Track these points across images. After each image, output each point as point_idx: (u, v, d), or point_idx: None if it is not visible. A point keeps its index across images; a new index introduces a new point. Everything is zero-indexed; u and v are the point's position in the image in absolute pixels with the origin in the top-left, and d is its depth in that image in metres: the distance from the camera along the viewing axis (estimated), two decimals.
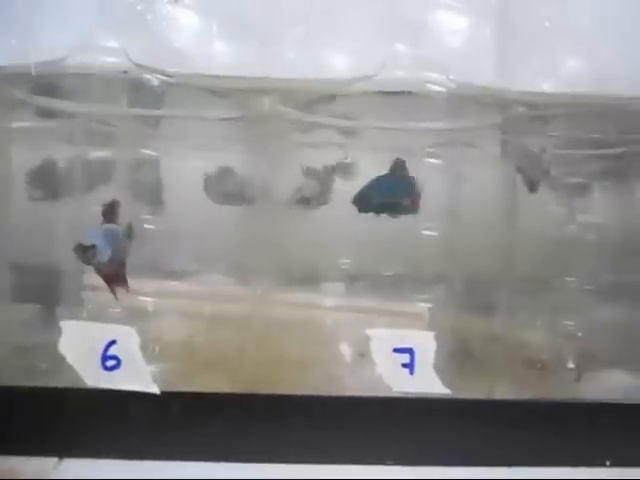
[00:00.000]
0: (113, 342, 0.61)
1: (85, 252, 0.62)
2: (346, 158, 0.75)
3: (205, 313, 0.74)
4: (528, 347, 0.74)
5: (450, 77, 0.68)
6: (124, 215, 0.64)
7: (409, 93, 0.69)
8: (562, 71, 0.71)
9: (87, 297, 0.68)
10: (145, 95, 0.70)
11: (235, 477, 0.61)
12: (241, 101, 0.73)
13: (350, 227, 0.71)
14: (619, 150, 0.78)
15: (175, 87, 0.69)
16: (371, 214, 0.67)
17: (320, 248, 0.76)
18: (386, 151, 0.69)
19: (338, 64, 0.70)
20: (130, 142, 0.74)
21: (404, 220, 0.67)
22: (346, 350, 0.71)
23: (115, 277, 0.63)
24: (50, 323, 0.66)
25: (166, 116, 0.75)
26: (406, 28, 0.69)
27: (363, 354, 0.65)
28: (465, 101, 0.71)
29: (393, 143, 0.73)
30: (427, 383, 0.62)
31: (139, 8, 0.67)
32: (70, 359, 0.61)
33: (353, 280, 0.76)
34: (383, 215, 0.67)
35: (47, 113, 0.74)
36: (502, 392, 0.68)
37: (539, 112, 0.74)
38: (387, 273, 0.75)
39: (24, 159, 0.74)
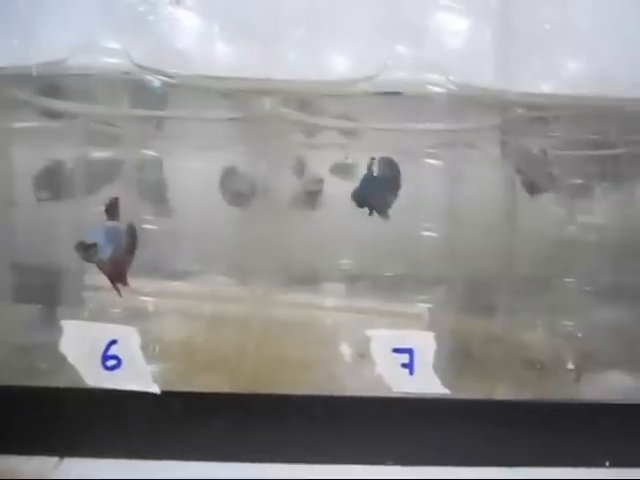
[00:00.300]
0: (114, 342, 0.61)
1: (86, 250, 0.62)
2: (347, 158, 0.75)
3: (206, 313, 0.74)
4: (528, 348, 0.74)
5: (450, 78, 0.68)
6: (128, 216, 0.64)
7: (409, 94, 0.69)
8: (562, 73, 0.71)
9: (88, 297, 0.68)
10: (147, 96, 0.70)
11: (235, 477, 0.61)
12: (242, 102, 0.74)
13: (351, 228, 0.71)
14: (619, 151, 0.78)
15: (177, 88, 0.69)
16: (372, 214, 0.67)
17: (320, 249, 0.76)
18: (387, 152, 0.69)
19: (339, 65, 0.70)
20: (133, 143, 0.75)
21: (404, 220, 0.67)
22: (346, 350, 0.71)
23: (117, 274, 0.63)
24: (51, 323, 0.66)
25: (168, 117, 0.75)
26: (407, 30, 0.69)
27: (363, 354, 0.65)
28: (465, 102, 0.71)
29: (394, 144, 0.73)
30: (427, 383, 0.62)
31: (141, 9, 0.67)
32: (71, 359, 0.61)
33: (353, 281, 0.76)
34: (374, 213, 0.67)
35: (49, 114, 0.74)
36: (502, 392, 0.68)
37: (539, 113, 0.74)
38: (387, 274, 0.75)
39: (26, 160, 0.74)
